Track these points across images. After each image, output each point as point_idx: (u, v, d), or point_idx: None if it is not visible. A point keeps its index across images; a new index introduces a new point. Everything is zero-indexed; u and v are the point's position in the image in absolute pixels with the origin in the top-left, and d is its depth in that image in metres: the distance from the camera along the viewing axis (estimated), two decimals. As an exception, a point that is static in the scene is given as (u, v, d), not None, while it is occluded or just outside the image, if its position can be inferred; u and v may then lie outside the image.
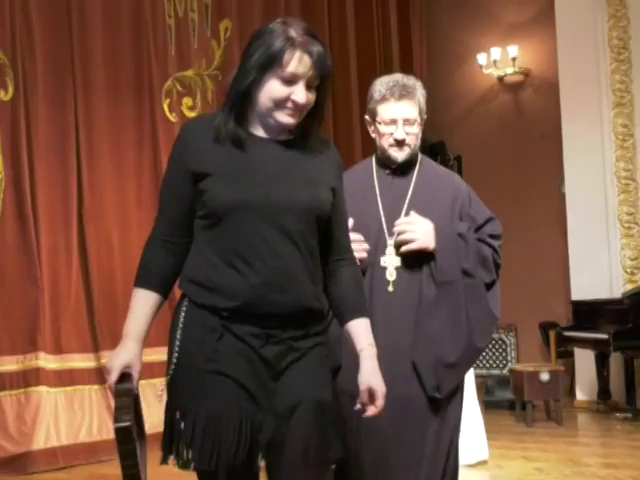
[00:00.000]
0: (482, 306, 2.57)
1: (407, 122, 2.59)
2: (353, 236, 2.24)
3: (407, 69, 7.24)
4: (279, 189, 1.86)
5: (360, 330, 2.00)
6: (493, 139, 8.36)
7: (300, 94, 1.85)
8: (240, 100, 1.88)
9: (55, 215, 5.54)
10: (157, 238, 1.95)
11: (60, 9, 5.66)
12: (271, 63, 1.83)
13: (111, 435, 4.60)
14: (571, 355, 7.35)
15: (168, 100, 6.28)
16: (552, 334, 7.27)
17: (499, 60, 8.19)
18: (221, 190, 1.84)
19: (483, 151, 8.22)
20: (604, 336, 6.16)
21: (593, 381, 6.93)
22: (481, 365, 6.94)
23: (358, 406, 1.98)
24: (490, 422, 5.13)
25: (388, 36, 8.09)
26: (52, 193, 5.52)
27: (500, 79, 8.39)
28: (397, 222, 2.58)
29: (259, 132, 1.92)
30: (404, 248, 2.56)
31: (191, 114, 6.26)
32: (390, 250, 2.59)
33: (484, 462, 4.91)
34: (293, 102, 1.86)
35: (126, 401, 1.77)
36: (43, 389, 5.27)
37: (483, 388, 6.81)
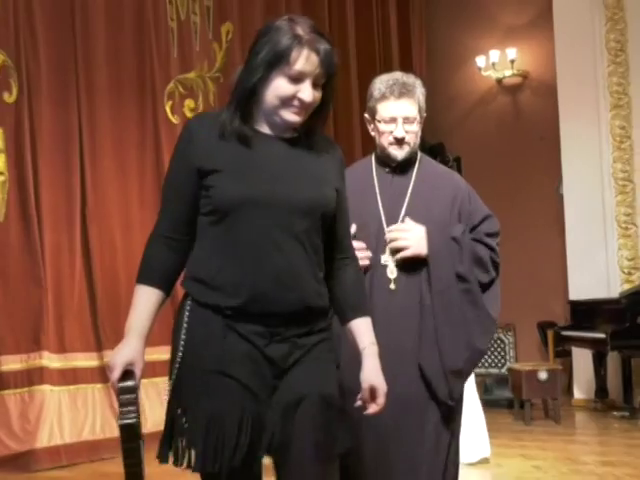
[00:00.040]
0: (479, 309, 2.55)
1: (407, 120, 2.57)
2: (355, 244, 2.22)
3: (407, 70, 7.21)
4: (285, 187, 1.84)
5: (363, 329, 1.99)
6: (492, 140, 8.36)
7: (307, 92, 1.83)
8: (246, 97, 1.85)
9: (59, 215, 5.54)
10: (159, 235, 1.91)
11: (63, 11, 5.67)
12: (278, 61, 1.80)
13: (114, 433, 4.61)
14: (569, 354, 7.35)
15: (170, 102, 6.29)
16: (550, 333, 7.27)
17: (498, 62, 8.18)
18: (228, 186, 1.82)
19: (482, 152, 8.22)
20: (602, 335, 6.15)
21: (591, 380, 6.92)
22: (480, 364, 6.93)
23: (359, 403, 1.97)
24: (489, 420, 5.12)
25: (388, 36, 8.11)
26: (56, 193, 5.52)
27: (499, 81, 8.38)
28: (390, 228, 2.56)
29: (264, 129, 1.90)
30: (397, 256, 2.54)
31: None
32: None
33: (486, 460, 4.90)
34: (299, 100, 1.83)
35: (130, 398, 1.74)
36: (47, 388, 5.27)
37: (482, 387, 6.80)
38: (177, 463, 1.81)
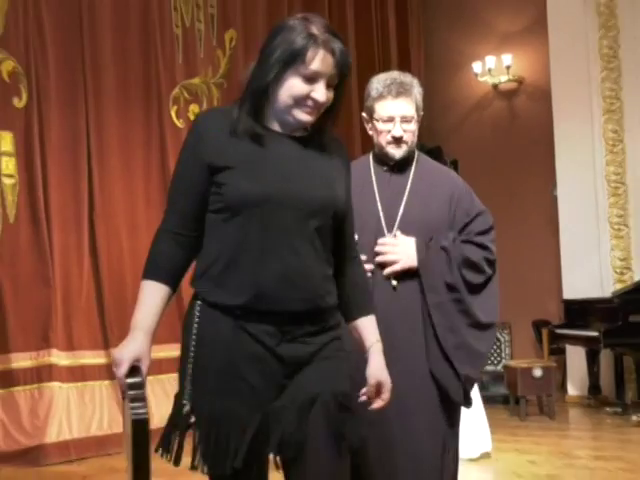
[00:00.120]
0: (470, 317, 2.52)
1: (404, 119, 2.53)
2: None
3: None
4: (297, 185, 1.80)
5: (369, 326, 1.97)
6: (488, 144, 8.36)
7: (320, 92, 1.79)
8: (259, 96, 1.80)
9: (67, 216, 5.54)
10: (167, 230, 1.84)
11: (71, 19, 5.69)
12: (293, 60, 1.76)
13: (121, 429, 4.61)
14: (563, 352, 7.34)
15: (175, 107, 6.30)
16: (545, 332, 7.27)
17: (494, 68, 8.18)
18: (240, 184, 1.76)
19: (478, 155, 8.22)
20: (595, 334, 6.15)
21: (584, 377, 6.93)
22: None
23: (364, 398, 1.95)
24: (485, 416, 5.13)
25: (387, 40, 8.12)
26: (64, 195, 5.53)
27: (495, 86, 8.38)
28: (380, 241, 2.53)
29: (275, 127, 1.85)
30: (387, 270, 2.50)
31: (197, 120, 6.26)
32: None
33: (487, 455, 4.89)
34: (313, 100, 1.79)
35: (140, 394, 1.70)
36: (56, 384, 5.28)
37: (478, 383, 6.80)
38: (175, 462, 1.77)
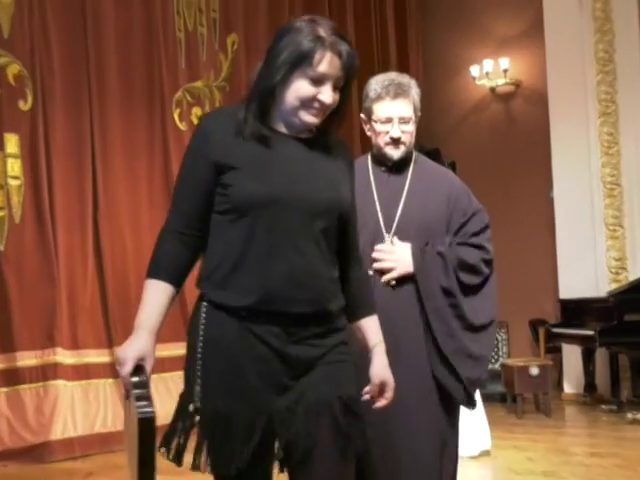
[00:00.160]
0: (466, 321, 2.51)
1: (402, 120, 2.51)
2: None
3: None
4: (303, 187, 1.78)
5: (372, 327, 1.96)
6: (485, 146, 8.36)
7: (327, 94, 1.77)
8: (266, 97, 1.78)
9: (71, 217, 5.56)
10: (171, 230, 1.81)
11: (76, 24, 5.70)
12: (300, 62, 1.73)
13: (124, 426, 4.61)
14: (559, 350, 7.34)
15: (178, 110, 6.31)
16: (541, 331, 7.26)
17: (491, 72, 8.18)
18: (247, 185, 1.74)
19: (476, 158, 8.21)
20: (590, 333, 6.15)
21: (580, 375, 6.93)
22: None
23: (367, 397, 1.94)
24: (483, 414, 5.13)
25: (386, 43, 8.12)
26: (69, 196, 5.54)
27: (492, 90, 8.38)
28: (377, 248, 2.51)
29: (281, 129, 1.82)
30: (385, 278, 2.50)
31: (200, 123, 6.27)
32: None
33: (487, 452, 4.88)
34: (319, 102, 1.77)
35: (145, 392, 1.67)
36: (60, 383, 5.29)
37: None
38: (177, 461, 1.75)
